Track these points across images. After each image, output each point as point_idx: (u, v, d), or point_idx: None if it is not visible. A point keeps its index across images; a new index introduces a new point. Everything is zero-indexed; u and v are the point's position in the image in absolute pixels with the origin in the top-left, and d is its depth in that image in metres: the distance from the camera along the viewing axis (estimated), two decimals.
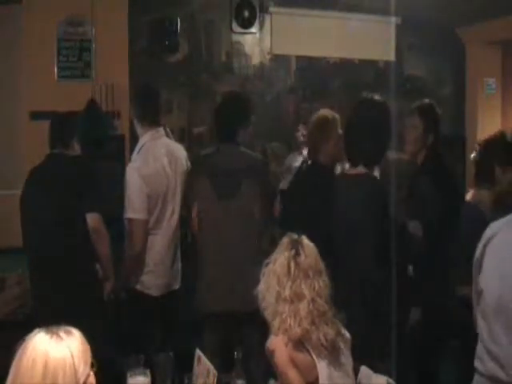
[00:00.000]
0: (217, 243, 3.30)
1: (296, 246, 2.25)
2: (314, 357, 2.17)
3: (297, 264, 2.21)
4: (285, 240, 2.30)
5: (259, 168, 3.39)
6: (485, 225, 2.92)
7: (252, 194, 3.28)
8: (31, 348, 1.51)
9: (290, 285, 2.19)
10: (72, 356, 1.51)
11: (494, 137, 3.30)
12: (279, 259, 2.24)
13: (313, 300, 2.18)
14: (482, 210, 3.10)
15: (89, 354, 1.58)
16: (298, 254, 2.22)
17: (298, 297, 2.18)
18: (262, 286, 2.26)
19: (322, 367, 2.16)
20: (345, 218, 2.90)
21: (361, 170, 2.97)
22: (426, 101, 3.67)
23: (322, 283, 2.22)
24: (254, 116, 3.60)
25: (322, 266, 2.26)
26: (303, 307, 2.17)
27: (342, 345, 2.25)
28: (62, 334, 1.54)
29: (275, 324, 2.19)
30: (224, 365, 2.51)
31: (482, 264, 2.14)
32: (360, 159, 2.97)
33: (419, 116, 3.47)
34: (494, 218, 3.01)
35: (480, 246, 2.17)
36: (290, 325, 2.15)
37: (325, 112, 3.71)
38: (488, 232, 2.18)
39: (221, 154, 3.36)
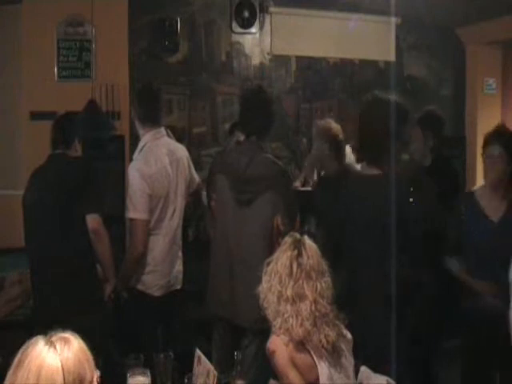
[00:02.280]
0: (227, 249, 3.26)
1: (298, 246, 2.24)
2: (315, 358, 2.17)
3: (299, 264, 2.21)
4: (287, 239, 2.30)
5: (281, 179, 3.23)
6: None
7: (270, 205, 3.16)
8: (29, 357, 1.50)
9: (292, 285, 2.19)
10: (62, 370, 1.48)
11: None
12: (281, 259, 2.24)
13: (315, 301, 2.18)
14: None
15: (87, 366, 1.54)
16: (300, 254, 2.22)
17: (300, 297, 2.18)
18: (263, 285, 2.26)
19: (323, 368, 2.17)
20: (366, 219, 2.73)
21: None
22: (427, 109, 3.71)
23: (325, 284, 2.22)
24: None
25: (324, 266, 2.26)
26: (305, 308, 2.16)
27: (343, 346, 2.25)
28: (58, 345, 1.52)
29: (277, 324, 2.19)
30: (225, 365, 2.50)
31: None
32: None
33: (421, 129, 3.54)
34: None
35: None
36: (291, 325, 2.15)
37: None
38: None
39: (244, 156, 3.24)
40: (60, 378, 1.49)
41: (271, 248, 3.12)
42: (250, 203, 3.18)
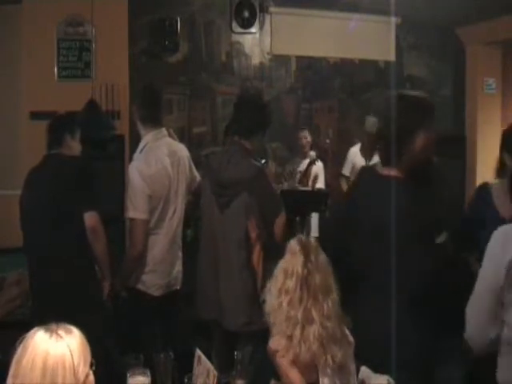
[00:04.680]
0: (210, 251, 3.25)
1: (307, 261, 2.18)
2: (320, 374, 2.16)
3: (308, 287, 2.16)
4: (295, 248, 2.24)
5: (257, 181, 3.17)
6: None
7: (248, 208, 3.14)
8: (31, 347, 1.51)
9: (302, 309, 2.15)
10: (71, 354, 1.51)
11: (509, 127, 3.24)
12: (291, 278, 2.18)
13: (322, 324, 2.15)
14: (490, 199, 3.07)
15: (88, 352, 1.58)
16: (309, 273, 2.17)
17: (308, 321, 2.15)
18: (273, 301, 2.21)
19: (325, 381, 2.16)
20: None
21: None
22: None
23: (331, 302, 2.18)
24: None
25: (330, 280, 2.21)
26: (313, 332, 2.13)
27: (349, 362, 2.22)
28: (61, 332, 1.54)
29: (284, 345, 2.16)
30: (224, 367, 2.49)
31: None
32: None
33: None
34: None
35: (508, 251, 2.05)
36: (299, 350, 2.13)
37: None
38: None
39: (224, 158, 3.24)
40: (69, 363, 1.50)
41: (249, 252, 3.14)
42: (228, 206, 3.18)
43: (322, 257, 2.24)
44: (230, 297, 3.15)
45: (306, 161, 5.87)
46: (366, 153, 5.91)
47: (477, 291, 2.16)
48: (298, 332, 2.14)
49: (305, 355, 2.13)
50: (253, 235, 3.13)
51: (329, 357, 2.14)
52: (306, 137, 6.07)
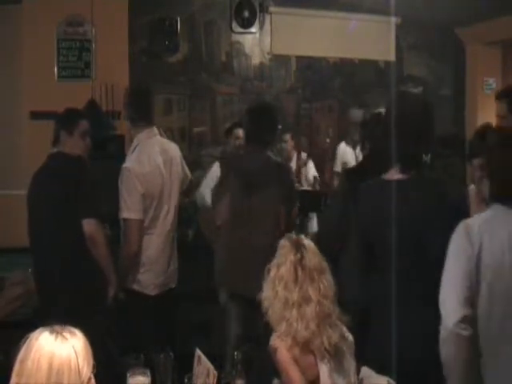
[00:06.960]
0: (239, 232, 3.40)
1: (300, 248, 2.24)
2: (318, 359, 2.17)
3: (303, 268, 2.20)
4: (285, 243, 2.29)
5: (285, 173, 3.67)
6: None
7: (276, 195, 3.44)
8: (35, 348, 1.51)
9: (297, 290, 2.18)
10: (76, 356, 1.52)
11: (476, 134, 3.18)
12: (284, 265, 2.22)
13: (319, 302, 2.17)
14: None
15: (91, 355, 1.58)
16: (302, 257, 2.22)
17: (305, 301, 2.18)
18: (268, 293, 2.24)
19: (323, 369, 2.17)
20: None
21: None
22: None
23: (327, 283, 2.22)
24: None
25: (324, 264, 2.26)
26: (310, 310, 2.16)
27: (344, 348, 2.24)
28: (66, 334, 1.54)
29: (281, 328, 2.18)
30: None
31: (480, 265, 2.06)
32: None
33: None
34: None
35: (475, 245, 2.06)
36: (296, 329, 2.15)
37: None
38: (474, 229, 2.08)
39: (251, 157, 3.53)
40: (74, 364, 1.51)
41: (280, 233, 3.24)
42: (259, 195, 3.39)
43: (313, 244, 2.29)
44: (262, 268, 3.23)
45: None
46: (353, 141, 5.96)
47: (448, 277, 2.11)
48: (295, 312, 2.17)
49: (303, 334, 2.15)
50: (281, 218, 3.47)
51: (325, 338, 2.16)
52: (287, 140, 6.02)
